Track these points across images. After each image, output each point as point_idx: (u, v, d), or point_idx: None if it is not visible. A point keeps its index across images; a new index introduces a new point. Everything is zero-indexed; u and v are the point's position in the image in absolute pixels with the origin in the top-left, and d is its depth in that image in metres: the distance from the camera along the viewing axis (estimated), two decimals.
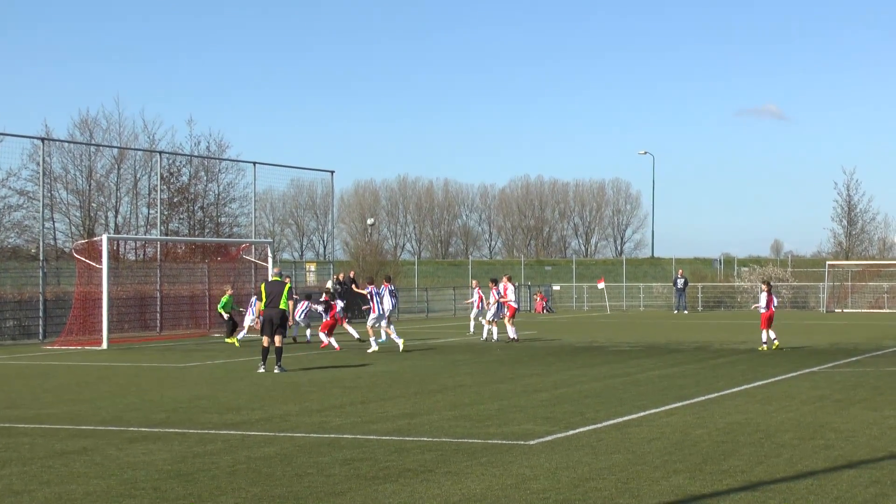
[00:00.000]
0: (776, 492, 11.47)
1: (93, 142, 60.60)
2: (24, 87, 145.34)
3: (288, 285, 26.72)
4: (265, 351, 26.42)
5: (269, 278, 27.86)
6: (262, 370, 25.98)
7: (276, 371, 25.73)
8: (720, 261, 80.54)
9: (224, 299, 37.80)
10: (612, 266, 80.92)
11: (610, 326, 45.64)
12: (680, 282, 65.93)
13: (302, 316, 36.71)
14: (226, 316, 37.83)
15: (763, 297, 32.70)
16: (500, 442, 14.81)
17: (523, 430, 15.80)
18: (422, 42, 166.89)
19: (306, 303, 37.06)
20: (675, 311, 64.31)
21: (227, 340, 37.12)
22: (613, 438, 15.07)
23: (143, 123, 63.71)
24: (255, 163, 49.84)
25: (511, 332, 36.46)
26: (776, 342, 31.92)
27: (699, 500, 11.08)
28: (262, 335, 26.65)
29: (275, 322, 26.18)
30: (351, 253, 76.43)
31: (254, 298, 35.92)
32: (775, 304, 33.24)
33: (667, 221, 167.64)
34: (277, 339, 26.26)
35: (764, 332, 32.02)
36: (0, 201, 54.24)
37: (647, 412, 17.82)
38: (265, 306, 26.27)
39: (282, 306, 26.18)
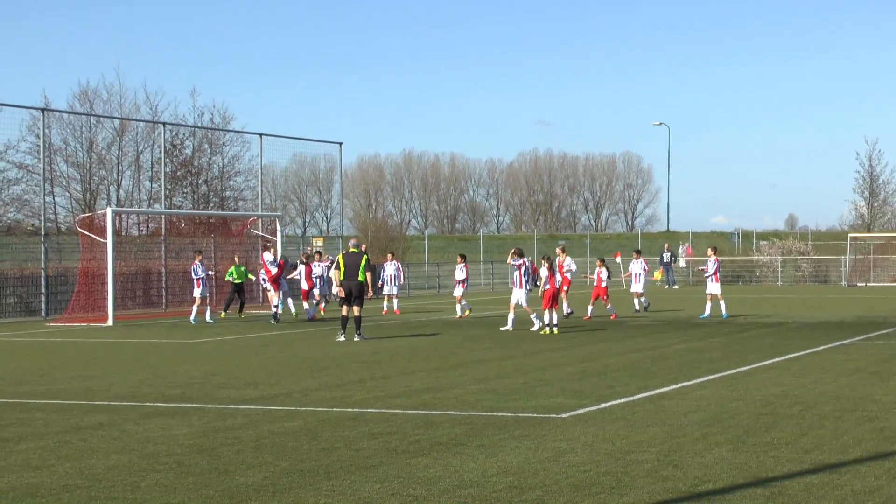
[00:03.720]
0: (825, 463, 10.97)
1: (93, 113, 60.03)
2: (22, 56, 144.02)
3: (366, 257, 27.40)
4: (345, 320, 27.09)
5: (348, 250, 27.71)
6: (341, 338, 26.69)
7: (356, 339, 26.55)
8: (738, 234, 79.94)
9: (232, 269, 36.45)
10: (627, 240, 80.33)
11: (628, 301, 45.02)
12: (666, 255, 65.26)
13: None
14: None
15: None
16: (531, 415, 14.30)
17: (553, 404, 15.29)
18: (429, 14, 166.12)
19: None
20: (666, 287, 63.57)
21: (223, 314, 36.44)
22: (648, 411, 14.57)
23: (145, 94, 63.34)
24: (261, 134, 49.25)
25: (566, 308, 34.49)
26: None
27: (746, 471, 10.58)
28: (340, 305, 27.45)
29: (353, 293, 26.94)
30: (358, 228, 75.83)
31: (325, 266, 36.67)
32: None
33: (678, 195, 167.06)
34: (356, 308, 26.95)
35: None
36: None
37: (679, 385, 17.31)
38: (344, 277, 26.95)
39: (360, 278, 26.87)
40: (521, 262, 30.16)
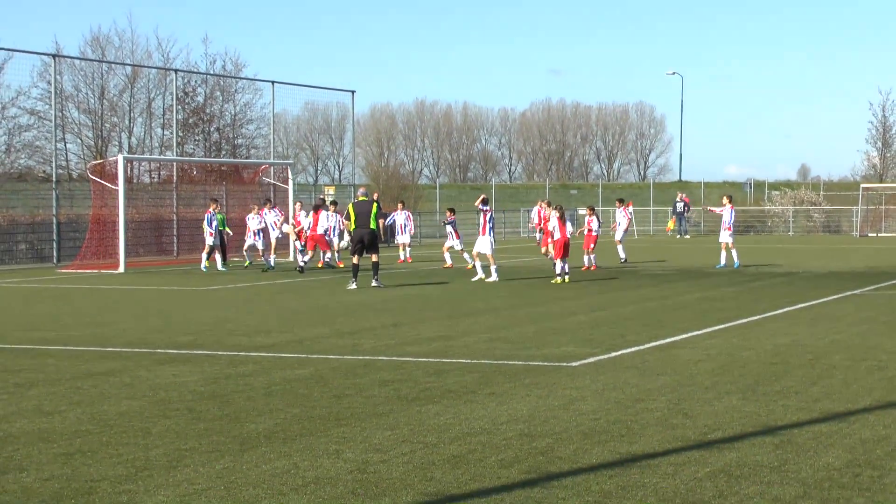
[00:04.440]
0: (834, 412, 10.98)
1: (105, 60, 59.85)
2: (33, 2, 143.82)
3: (376, 204, 27.43)
4: (356, 268, 27.07)
5: (357, 199, 27.68)
6: (353, 286, 26.60)
7: (373, 285, 26.76)
8: (750, 185, 79.61)
9: (220, 216, 35.50)
10: (639, 190, 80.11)
11: (640, 250, 45.06)
12: (679, 205, 65.02)
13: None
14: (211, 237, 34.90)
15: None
16: (541, 364, 14.31)
17: (564, 353, 15.30)
18: None
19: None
20: (678, 237, 63.40)
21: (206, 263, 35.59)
22: (658, 360, 14.57)
23: (156, 41, 63.08)
24: (273, 82, 49.09)
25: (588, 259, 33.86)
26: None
27: (755, 420, 10.59)
28: (352, 254, 27.43)
29: (365, 240, 27.05)
30: (370, 176, 75.74)
31: (338, 217, 36.28)
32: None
33: (691, 145, 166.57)
34: (374, 255, 27.13)
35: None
36: (10, 121, 53.75)
37: (690, 334, 17.30)
38: (356, 226, 27.01)
39: (371, 225, 26.92)
40: (487, 209, 30.10)
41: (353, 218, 27.11)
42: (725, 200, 35.39)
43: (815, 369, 13.73)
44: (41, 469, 8.88)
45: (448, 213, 36.59)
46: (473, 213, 36.18)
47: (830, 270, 33.12)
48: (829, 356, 14.84)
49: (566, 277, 28.39)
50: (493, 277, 28.96)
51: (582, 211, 53.68)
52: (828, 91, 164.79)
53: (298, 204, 37.98)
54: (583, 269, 32.79)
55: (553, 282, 28.32)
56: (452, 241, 35.45)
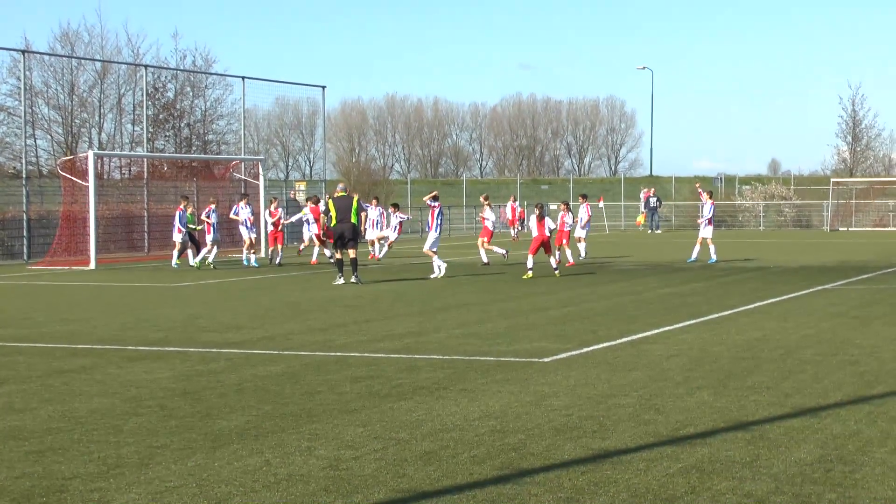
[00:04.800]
0: (805, 407, 11.02)
1: (75, 55, 59.54)
2: None
3: (356, 199, 27.42)
4: (340, 263, 27.22)
5: (335, 194, 27.60)
6: (340, 282, 26.84)
7: (353, 281, 26.73)
8: (721, 179, 79.88)
9: (188, 216, 35.15)
10: (610, 185, 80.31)
11: (611, 245, 45.18)
12: (652, 200, 65.22)
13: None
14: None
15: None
16: (513, 359, 14.33)
17: (536, 348, 15.32)
18: None
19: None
20: (649, 231, 63.54)
21: (192, 263, 35.35)
22: (630, 355, 14.61)
23: (126, 37, 63.03)
24: (243, 77, 48.94)
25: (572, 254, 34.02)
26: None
27: (727, 415, 10.62)
28: (334, 249, 27.62)
29: (346, 235, 27.03)
30: (342, 172, 75.58)
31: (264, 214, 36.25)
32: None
33: (661, 140, 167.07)
34: (352, 251, 26.98)
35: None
36: None
37: (661, 329, 17.35)
38: (336, 221, 26.96)
39: (352, 220, 26.91)
40: (436, 204, 30.40)
41: (333, 213, 27.04)
42: (706, 195, 35.33)
43: (787, 364, 13.78)
44: (12, 467, 8.83)
45: (392, 209, 37.76)
46: (453, 206, 36.07)
47: (801, 265, 33.28)
48: (800, 351, 14.90)
49: (556, 272, 28.81)
50: (435, 273, 28.87)
51: (554, 206, 53.64)
52: (798, 85, 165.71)
53: (274, 201, 37.83)
54: (556, 263, 32.74)
55: (524, 277, 28.34)
56: (387, 232, 36.43)
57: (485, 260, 33.43)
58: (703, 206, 34.68)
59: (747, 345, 15.54)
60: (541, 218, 28.94)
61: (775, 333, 16.79)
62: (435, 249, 29.71)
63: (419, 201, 71.04)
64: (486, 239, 34.10)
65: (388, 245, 38.46)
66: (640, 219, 59.81)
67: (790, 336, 16.48)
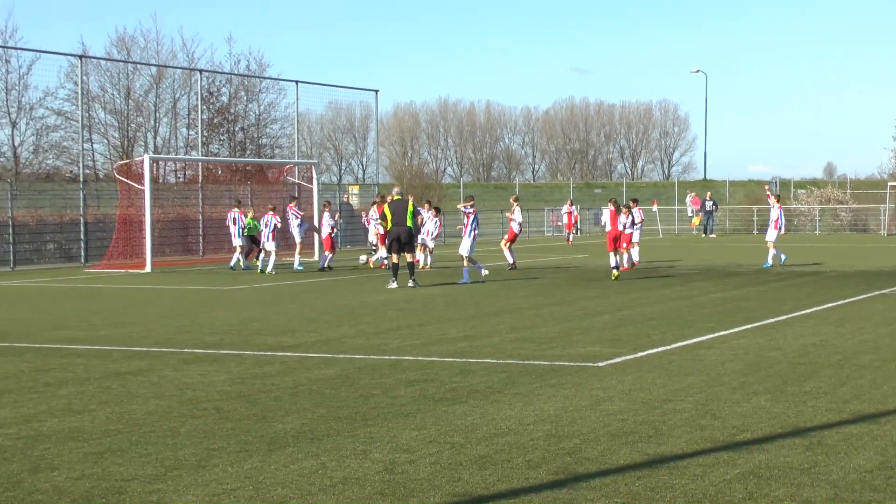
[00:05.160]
0: (864, 413, 10.92)
1: (131, 60, 60.07)
2: (59, 3, 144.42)
3: (412, 202, 27.51)
4: (395, 267, 27.23)
5: (392, 198, 27.67)
6: (393, 285, 26.67)
7: (409, 285, 26.67)
8: (776, 183, 79.24)
9: (249, 221, 35.54)
10: (664, 189, 79.91)
11: (664, 249, 44.91)
12: (709, 204, 64.86)
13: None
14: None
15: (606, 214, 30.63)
16: (567, 364, 14.29)
17: (590, 352, 15.28)
18: None
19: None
20: (703, 235, 63.19)
21: (251, 265, 35.78)
22: (685, 360, 14.53)
23: (181, 41, 63.50)
24: (297, 81, 49.18)
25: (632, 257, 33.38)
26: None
27: (784, 421, 10.54)
28: (389, 252, 27.58)
29: (402, 239, 27.12)
30: (394, 175, 75.76)
31: (293, 221, 35.79)
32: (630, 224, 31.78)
33: (715, 143, 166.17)
34: (409, 255, 27.15)
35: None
36: (38, 122, 54.07)
37: (716, 334, 17.25)
38: (392, 225, 27.02)
39: (408, 224, 26.98)
40: (471, 210, 29.81)
41: (389, 217, 27.14)
42: (773, 199, 35.08)
43: (844, 370, 13.66)
44: (72, 468, 8.92)
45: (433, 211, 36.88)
46: (505, 210, 35.51)
47: (858, 269, 32.96)
48: (857, 356, 14.77)
49: (615, 272, 28.58)
50: (464, 279, 28.39)
51: (654, 208, 53.57)
52: (854, 88, 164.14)
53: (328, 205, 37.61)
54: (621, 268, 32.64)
55: (613, 278, 28.39)
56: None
57: (510, 261, 33.21)
58: (771, 211, 34.44)
59: (803, 350, 15.42)
60: (617, 212, 28.85)
61: (832, 338, 16.65)
62: (471, 255, 29.36)
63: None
64: (507, 239, 33.89)
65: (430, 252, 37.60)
66: (696, 220, 59.43)
67: (847, 341, 16.33)
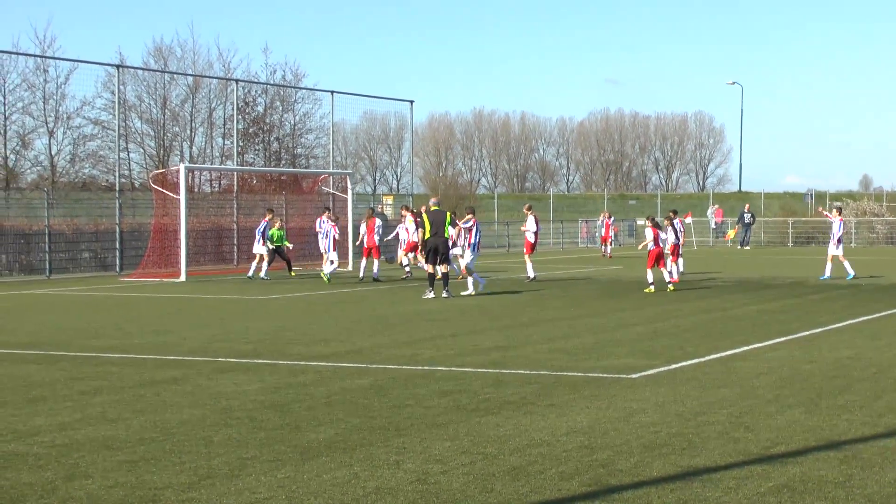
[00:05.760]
0: None
1: (167, 70, 60.40)
2: (97, 13, 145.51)
3: (450, 213, 27.69)
4: (432, 277, 27.34)
5: (430, 208, 27.82)
6: (430, 295, 26.93)
7: (444, 296, 26.83)
8: (811, 195, 78.85)
9: (275, 232, 35.67)
10: (698, 200, 79.59)
11: (699, 261, 44.71)
12: (747, 216, 64.56)
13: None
14: (266, 251, 35.48)
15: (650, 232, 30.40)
16: (601, 375, 14.26)
17: (624, 364, 15.24)
18: None
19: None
20: (739, 247, 62.92)
21: (289, 272, 36.13)
22: (719, 372, 14.47)
23: (217, 51, 63.50)
24: (332, 92, 49.33)
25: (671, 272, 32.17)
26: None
27: (819, 434, 10.48)
28: (427, 263, 27.65)
29: (440, 250, 27.23)
30: (428, 186, 75.85)
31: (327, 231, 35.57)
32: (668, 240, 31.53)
33: (750, 155, 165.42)
34: (444, 266, 27.38)
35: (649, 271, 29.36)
36: (75, 131, 54.40)
37: (751, 346, 17.17)
38: (431, 235, 27.17)
39: (446, 235, 27.22)
40: (472, 223, 29.30)
41: (427, 227, 27.29)
42: (835, 212, 34.89)
43: (880, 383, 13.57)
44: (106, 476, 8.96)
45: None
46: (541, 221, 35.27)
47: (894, 283, 32.74)
48: (893, 369, 14.67)
49: (652, 287, 28.51)
50: (469, 290, 28.26)
51: (641, 222, 53.43)
52: (890, 100, 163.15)
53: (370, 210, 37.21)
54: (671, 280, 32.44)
55: (646, 291, 28.37)
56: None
57: (530, 275, 32.98)
58: (833, 224, 34.21)
59: (839, 363, 15.33)
60: (659, 228, 28.87)
61: (867, 352, 16.54)
62: (472, 267, 28.96)
63: (506, 216, 71.16)
64: (527, 252, 33.60)
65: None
66: (731, 233, 59.15)
67: (883, 354, 16.22)
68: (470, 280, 28.67)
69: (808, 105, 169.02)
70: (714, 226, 69.30)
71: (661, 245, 29.09)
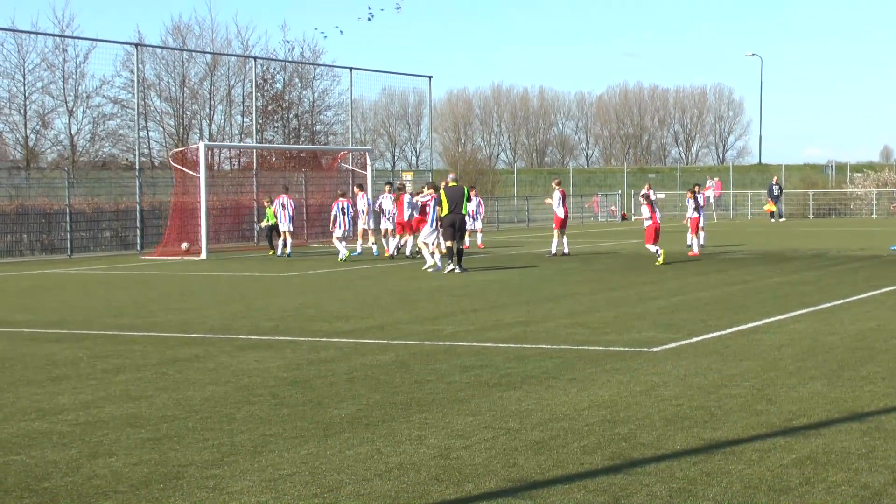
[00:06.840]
0: None
1: (186, 48, 60.41)
2: None
3: (466, 189, 27.96)
4: (451, 251, 27.57)
5: (447, 184, 27.82)
6: (451, 268, 27.21)
7: (457, 271, 27.03)
8: (832, 167, 78.48)
9: (268, 211, 35.96)
10: (718, 173, 79.05)
11: (720, 234, 44.57)
12: (775, 188, 64.30)
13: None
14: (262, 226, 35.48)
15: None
16: (622, 349, 14.25)
17: (645, 338, 15.22)
18: None
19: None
20: (773, 220, 62.75)
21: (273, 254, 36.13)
22: (741, 345, 14.44)
23: (236, 29, 63.11)
24: (351, 68, 49.32)
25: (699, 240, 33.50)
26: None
27: (841, 405, 10.45)
28: (445, 238, 27.81)
29: (457, 226, 27.40)
30: (447, 161, 75.73)
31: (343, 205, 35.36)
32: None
33: (770, 127, 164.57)
34: (460, 242, 27.70)
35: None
36: (94, 110, 54.55)
37: (773, 319, 17.13)
38: (449, 212, 27.30)
39: (464, 211, 27.55)
40: (429, 198, 29.01)
41: (444, 203, 27.38)
42: None
43: None
44: (130, 454, 9.01)
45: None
46: (543, 195, 35.12)
47: None
48: None
49: (659, 258, 28.59)
50: (428, 265, 28.12)
51: (662, 195, 53.26)
52: None
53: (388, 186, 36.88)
54: (689, 253, 32.64)
55: (657, 264, 28.44)
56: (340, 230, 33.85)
57: (552, 251, 32.88)
58: None
59: (861, 335, 15.28)
60: (653, 206, 28.98)
61: (890, 323, 16.49)
62: (428, 241, 28.64)
63: (526, 191, 71.09)
64: (556, 226, 33.10)
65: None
66: (771, 206, 58.64)
67: None
68: (428, 254, 28.37)
69: (828, 76, 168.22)
70: (713, 199, 68.97)
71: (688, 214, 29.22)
